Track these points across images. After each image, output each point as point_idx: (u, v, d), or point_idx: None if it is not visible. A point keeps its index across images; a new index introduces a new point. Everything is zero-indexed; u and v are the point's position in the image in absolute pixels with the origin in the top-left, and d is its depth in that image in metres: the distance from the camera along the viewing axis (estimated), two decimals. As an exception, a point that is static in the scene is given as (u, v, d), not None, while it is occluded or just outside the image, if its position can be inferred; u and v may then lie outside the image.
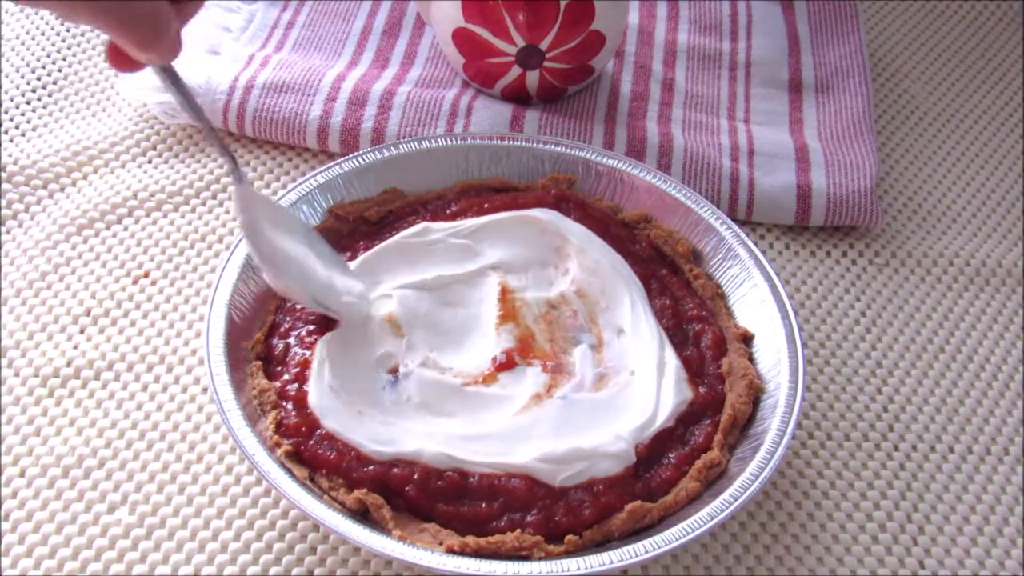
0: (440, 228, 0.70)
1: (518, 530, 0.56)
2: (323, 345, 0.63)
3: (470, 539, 0.55)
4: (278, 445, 0.58)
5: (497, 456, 0.58)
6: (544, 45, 0.79)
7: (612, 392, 0.63)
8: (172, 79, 0.55)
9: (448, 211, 0.72)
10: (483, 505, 0.57)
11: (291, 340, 0.64)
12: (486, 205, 0.72)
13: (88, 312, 0.69)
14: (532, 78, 0.81)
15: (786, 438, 0.60)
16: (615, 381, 0.64)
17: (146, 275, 0.72)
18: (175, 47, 0.52)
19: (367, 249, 0.69)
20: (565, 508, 0.57)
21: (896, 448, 0.67)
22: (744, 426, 0.63)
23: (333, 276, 0.65)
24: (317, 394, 0.60)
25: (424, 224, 0.70)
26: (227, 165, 0.60)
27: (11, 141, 0.80)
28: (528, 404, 0.62)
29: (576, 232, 0.70)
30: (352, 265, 0.68)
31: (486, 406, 0.61)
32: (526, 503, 0.57)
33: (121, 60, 0.53)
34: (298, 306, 0.66)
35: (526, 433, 0.60)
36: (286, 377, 0.62)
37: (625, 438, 0.60)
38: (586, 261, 0.69)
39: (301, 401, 0.60)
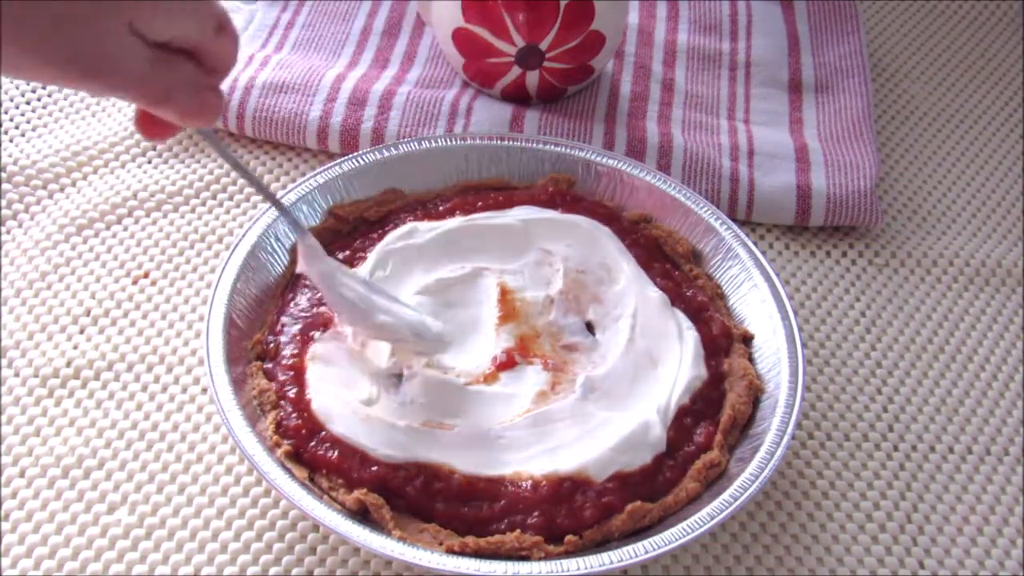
0: (427, 227, 0.70)
1: (518, 530, 0.56)
2: (323, 346, 0.63)
3: (470, 539, 0.55)
4: (278, 445, 0.58)
5: (534, 466, 0.58)
6: (544, 45, 0.79)
7: (629, 374, 0.63)
8: (212, 141, 0.57)
9: (438, 209, 0.72)
10: (484, 507, 0.57)
11: (290, 340, 0.64)
12: (479, 204, 0.72)
13: (88, 312, 0.69)
14: (532, 78, 0.81)
15: (786, 438, 0.60)
16: (629, 360, 0.64)
17: (146, 275, 0.72)
18: (215, 109, 0.52)
19: (366, 247, 0.69)
20: (567, 510, 0.57)
21: (896, 448, 0.67)
22: (744, 426, 0.63)
23: (407, 313, 0.64)
24: (320, 398, 0.60)
25: (412, 224, 0.70)
26: (286, 219, 0.62)
27: (11, 141, 0.80)
28: (536, 401, 0.62)
29: (552, 215, 0.71)
30: (359, 273, 0.67)
31: (490, 405, 0.61)
32: (528, 505, 0.57)
33: (152, 128, 0.53)
34: (298, 306, 0.66)
35: (546, 433, 0.60)
36: (283, 378, 0.62)
37: (655, 423, 0.60)
38: (567, 240, 0.70)
39: (301, 402, 0.60)
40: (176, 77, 0.49)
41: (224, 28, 0.51)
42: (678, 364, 0.64)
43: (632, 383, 0.63)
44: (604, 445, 0.59)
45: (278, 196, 0.71)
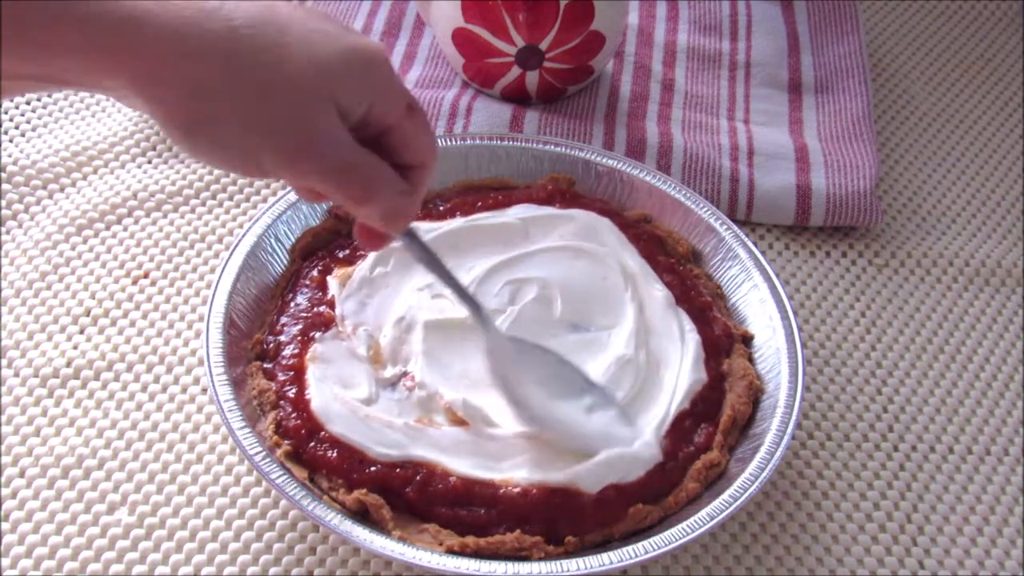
0: (427, 228, 0.70)
1: (518, 530, 0.56)
2: (323, 346, 0.63)
3: (470, 539, 0.55)
4: (278, 445, 0.58)
5: (521, 473, 0.58)
6: (544, 45, 0.79)
7: (629, 385, 0.62)
8: (414, 246, 0.55)
9: (439, 210, 0.72)
10: (482, 511, 0.57)
11: (291, 340, 0.64)
12: (479, 204, 0.72)
13: (88, 312, 0.69)
14: (532, 78, 0.81)
15: (786, 438, 0.60)
16: (631, 368, 0.63)
17: (146, 275, 0.72)
18: (399, 213, 0.50)
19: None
20: (566, 519, 0.57)
21: (896, 448, 0.67)
22: (744, 426, 0.63)
23: (594, 415, 0.61)
24: (319, 399, 0.60)
25: (413, 224, 0.70)
26: (470, 311, 0.59)
27: (11, 141, 0.80)
28: None
29: (550, 211, 0.71)
30: (358, 272, 0.67)
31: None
32: (526, 513, 0.57)
33: (369, 237, 0.53)
34: (298, 307, 0.66)
35: (535, 444, 0.60)
36: (283, 378, 0.62)
37: (650, 444, 0.60)
38: (562, 230, 0.70)
39: (300, 402, 0.60)
40: (379, 173, 0.48)
41: (414, 109, 0.49)
42: (679, 368, 0.64)
43: (631, 395, 0.62)
44: (594, 460, 0.58)
45: (279, 196, 0.71)
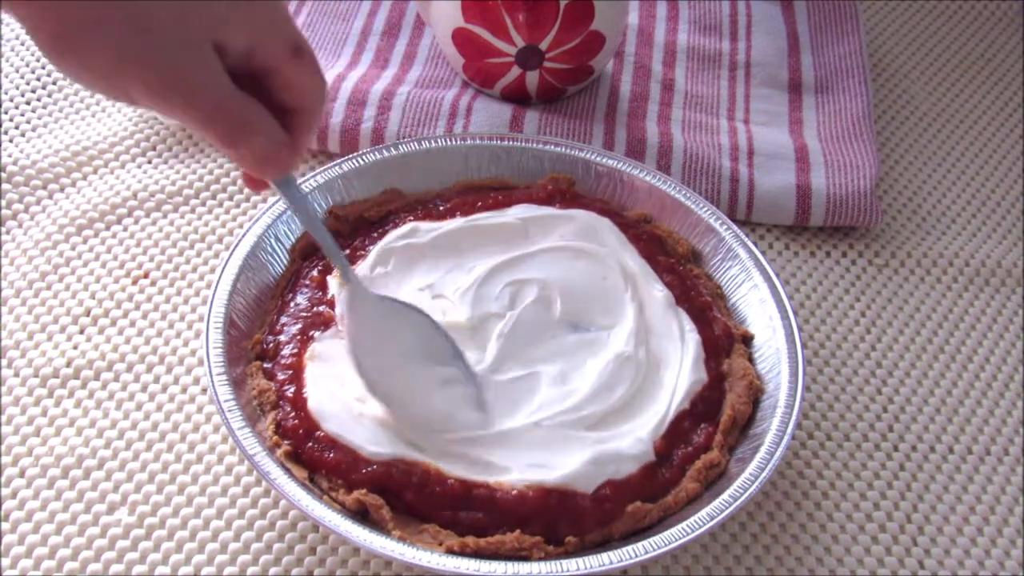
0: (428, 228, 0.70)
1: (518, 530, 0.56)
2: (322, 345, 0.63)
3: (470, 539, 0.55)
4: (277, 445, 0.58)
5: (517, 476, 0.58)
6: (544, 45, 0.79)
7: (627, 386, 0.62)
8: (287, 193, 0.54)
9: (439, 210, 0.72)
10: (482, 515, 0.57)
11: (290, 340, 0.64)
12: (479, 204, 0.72)
13: (88, 312, 0.69)
14: (532, 78, 0.81)
15: (786, 438, 0.60)
16: (630, 369, 0.63)
17: (146, 275, 0.72)
18: (270, 159, 0.48)
19: (366, 247, 0.69)
20: (566, 520, 0.57)
21: (896, 448, 0.67)
22: (744, 426, 0.63)
23: (445, 391, 0.60)
24: (316, 397, 0.60)
25: (412, 224, 0.70)
26: (338, 265, 0.58)
27: (11, 141, 0.80)
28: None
29: (550, 211, 0.71)
30: (358, 272, 0.67)
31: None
32: (526, 515, 0.57)
33: (249, 180, 0.53)
34: (298, 306, 0.66)
35: (531, 444, 0.60)
36: (282, 377, 0.62)
37: (644, 439, 0.60)
38: (563, 230, 0.70)
39: (299, 402, 0.60)
40: (251, 117, 0.46)
41: (302, 51, 0.48)
42: (679, 368, 0.64)
43: (631, 392, 0.63)
44: (582, 459, 0.58)
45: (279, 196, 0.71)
